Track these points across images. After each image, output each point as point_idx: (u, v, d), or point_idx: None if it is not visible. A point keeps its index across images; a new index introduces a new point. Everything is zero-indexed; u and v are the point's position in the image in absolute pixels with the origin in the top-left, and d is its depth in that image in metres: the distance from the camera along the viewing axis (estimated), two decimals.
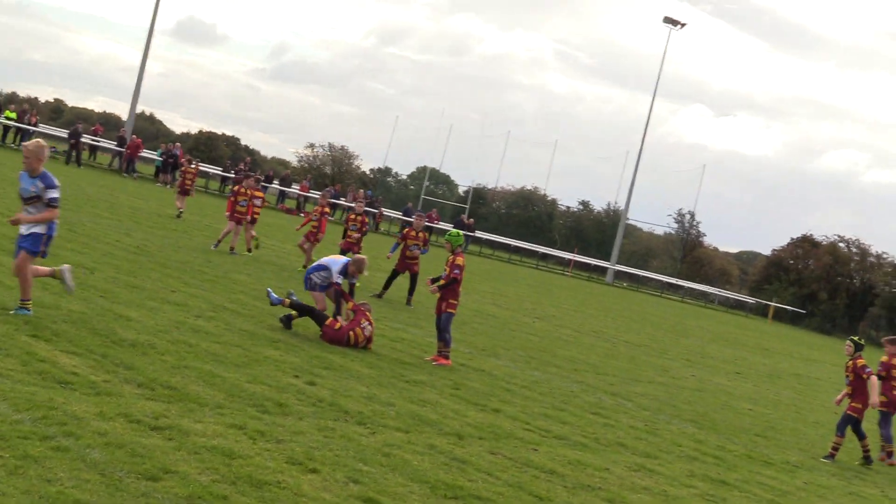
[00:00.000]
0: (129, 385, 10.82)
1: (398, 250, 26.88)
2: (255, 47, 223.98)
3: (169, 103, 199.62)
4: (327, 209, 29.92)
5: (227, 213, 28.76)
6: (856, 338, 18.48)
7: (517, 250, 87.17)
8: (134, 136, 65.31)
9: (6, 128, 60.15)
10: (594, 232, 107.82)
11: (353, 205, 31.95)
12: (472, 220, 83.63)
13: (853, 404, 18.09)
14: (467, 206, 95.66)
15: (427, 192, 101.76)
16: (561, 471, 11.81)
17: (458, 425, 12.90)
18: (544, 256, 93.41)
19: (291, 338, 16.42)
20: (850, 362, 18.32)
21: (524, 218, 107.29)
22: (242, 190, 29.14)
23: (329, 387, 13.26)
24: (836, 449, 17.92)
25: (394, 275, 26.67)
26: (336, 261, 18.50)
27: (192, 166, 42.56)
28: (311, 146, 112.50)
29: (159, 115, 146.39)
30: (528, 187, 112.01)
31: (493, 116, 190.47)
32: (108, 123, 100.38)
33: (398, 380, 15.09)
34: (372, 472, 9.78)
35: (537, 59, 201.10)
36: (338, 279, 18.15)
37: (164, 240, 26.82)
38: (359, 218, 28.93)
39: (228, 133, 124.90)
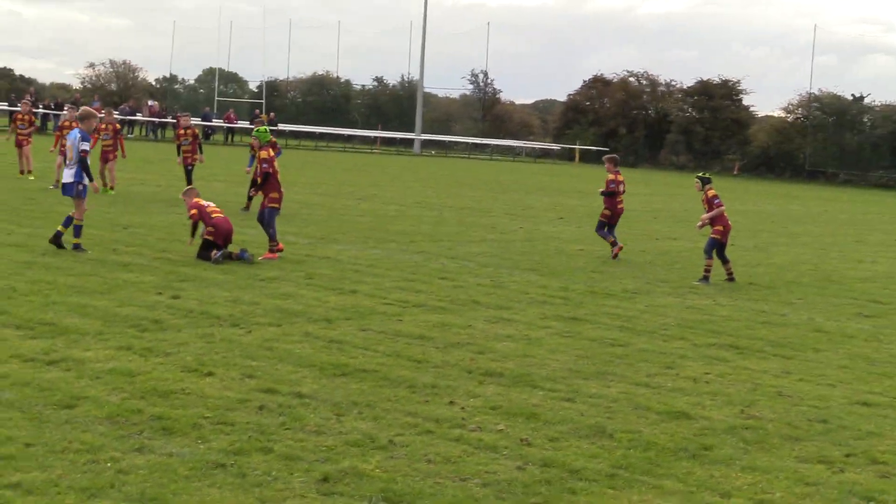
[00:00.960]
0: (8, 328, 11.17)
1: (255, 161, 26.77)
2: None
3: None
4: (118, 125, 30.28)
5: (53, 149, 28.62)
6: (700, 173, 20.67)
7: (321, 136, 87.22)
8: None
9: None
10: (393, 106, 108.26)
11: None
12: (272, 113, 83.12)
13: (715, 228, 19.58)
14: (263, 101, 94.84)
15: (219, 93, 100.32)
16: (429, 334, 12.67)
17: (324, 311, 13.63)
18: (349, 138, 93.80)
19: (138, 258, 16.77)
20: (704, 195, 19.82)
21: (321, 104, 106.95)
22: (67, 124, 28.86)
23: (194, 297, 13.78)
24: (707, 271, 19.48)
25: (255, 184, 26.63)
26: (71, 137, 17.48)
27: None
28: (92, 65, 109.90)
29: None
30: (320, 72, 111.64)
31: (271, 4, 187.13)
32: None
33: (254, 280, 15.67)
34: (262, 366, 10.45)
35: None
36: (84, 146, 17.23)
37: None
38: (188, 131, 29.18)
39: None
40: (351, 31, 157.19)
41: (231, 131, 76.26)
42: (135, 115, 70.52)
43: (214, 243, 17.30)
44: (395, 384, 10.17)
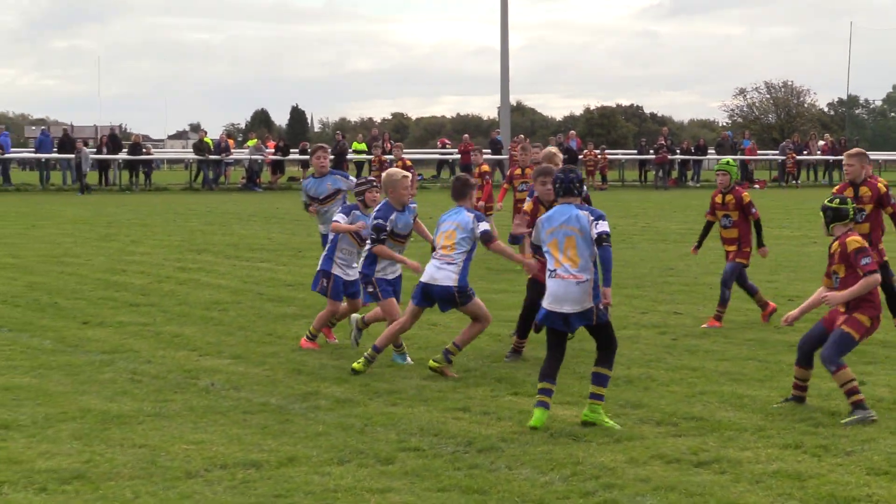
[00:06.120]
0: (647, 424, 12.29)
1: None
2: None
3: (539, 84, 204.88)
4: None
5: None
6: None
7: None
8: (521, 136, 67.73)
9: (359, 163, 64.52)
10: None
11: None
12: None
13: None
14: None
15: None
16: None
17: None
18: None
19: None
20: None
21: None
22: None
23: (883, 383, 14.24)
24: None
25: None
26: None
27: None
28: (742, 92, 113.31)
29: (528, 103, 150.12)
30: None
31: None
32: (466, 129, 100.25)
33: None
34: None
35: None
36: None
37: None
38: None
39: (624, 103, 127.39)
40: None
41: None
42: (804, 154, 72.05)
43: None
44: None
